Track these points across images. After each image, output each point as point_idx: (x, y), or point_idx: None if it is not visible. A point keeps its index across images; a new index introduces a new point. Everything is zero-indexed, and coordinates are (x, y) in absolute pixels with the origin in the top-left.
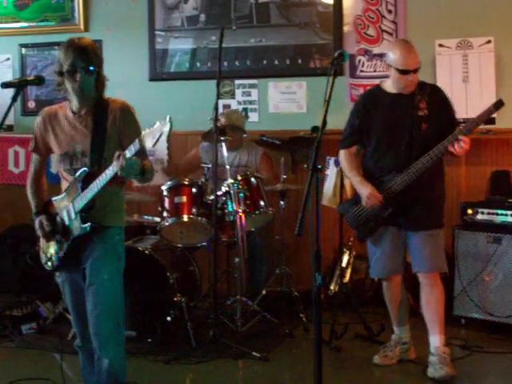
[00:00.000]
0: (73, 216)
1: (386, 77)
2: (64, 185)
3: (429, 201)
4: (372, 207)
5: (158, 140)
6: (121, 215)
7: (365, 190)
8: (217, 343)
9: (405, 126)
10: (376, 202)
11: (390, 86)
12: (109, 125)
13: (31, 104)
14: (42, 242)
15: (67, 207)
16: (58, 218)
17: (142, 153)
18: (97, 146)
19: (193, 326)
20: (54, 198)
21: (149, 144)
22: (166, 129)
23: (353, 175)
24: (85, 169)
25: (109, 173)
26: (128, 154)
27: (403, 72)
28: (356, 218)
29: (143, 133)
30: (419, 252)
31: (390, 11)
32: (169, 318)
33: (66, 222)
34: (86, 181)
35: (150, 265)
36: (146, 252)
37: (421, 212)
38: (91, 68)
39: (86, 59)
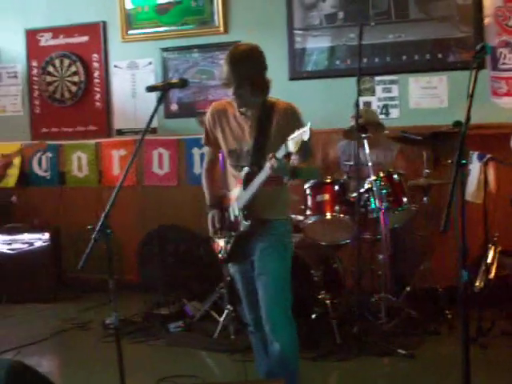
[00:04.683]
0: (236, 213)
1: None
2: (230, 179)
3: None
4: None
5: (299, 147)
6: (284, 209)
7: None
8: (361, 340)
9: None
10: None
11: None
12: (273, 126)
13: (174, 107)
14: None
15: (233, 204)
16: (227, 214)
17: (300, 154)
18: (259, 147)
19: (337, 322)
20: (229, 192)
21: (292, 149)
22: (305, 137)
23: None
24: (247, 169)
25: (262, 175)
26: (278, 155)
27: None
28: None
29: (290, 137)
30: None
31: None
32: (313, 316)
33: (232, 218)
34: (248, 180)
35: (294, 263)
36: None
37: None
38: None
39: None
